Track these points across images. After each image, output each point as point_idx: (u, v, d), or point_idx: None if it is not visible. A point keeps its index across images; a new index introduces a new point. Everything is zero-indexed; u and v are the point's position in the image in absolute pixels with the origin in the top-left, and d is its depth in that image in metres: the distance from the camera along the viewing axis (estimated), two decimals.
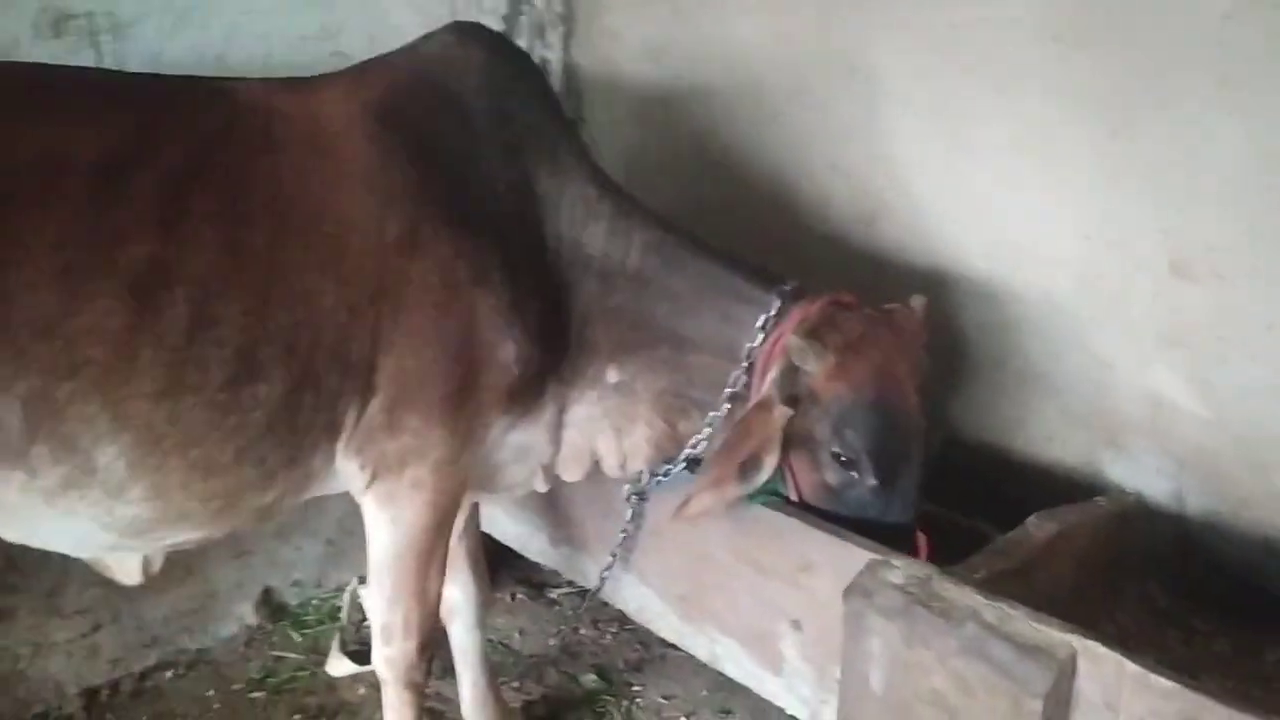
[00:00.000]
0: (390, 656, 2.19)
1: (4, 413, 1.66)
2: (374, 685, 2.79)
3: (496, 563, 3.04)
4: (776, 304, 2.11)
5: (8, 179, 1.66)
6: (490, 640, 2.71)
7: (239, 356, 1.80)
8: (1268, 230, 2.08)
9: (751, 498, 2.12)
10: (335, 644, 2.95)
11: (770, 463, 2.03)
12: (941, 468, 2.15)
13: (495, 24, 3.23)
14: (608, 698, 2.78)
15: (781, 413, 2.01)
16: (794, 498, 2.11)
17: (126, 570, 2.16)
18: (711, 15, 2.98)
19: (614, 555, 2.43)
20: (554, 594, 3.17)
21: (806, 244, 2.87)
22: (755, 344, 2.10)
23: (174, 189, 1.77)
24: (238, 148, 1.86)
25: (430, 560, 2.14)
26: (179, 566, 2.95)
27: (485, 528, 2.76)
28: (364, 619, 3.04)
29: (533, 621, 3.04)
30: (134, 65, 2.48)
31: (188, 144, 1.81)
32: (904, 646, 1.83)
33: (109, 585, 2.80)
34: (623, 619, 2.83)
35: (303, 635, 3.07)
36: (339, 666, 2.88)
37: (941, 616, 1.78)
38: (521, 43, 3.27)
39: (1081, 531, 2.15)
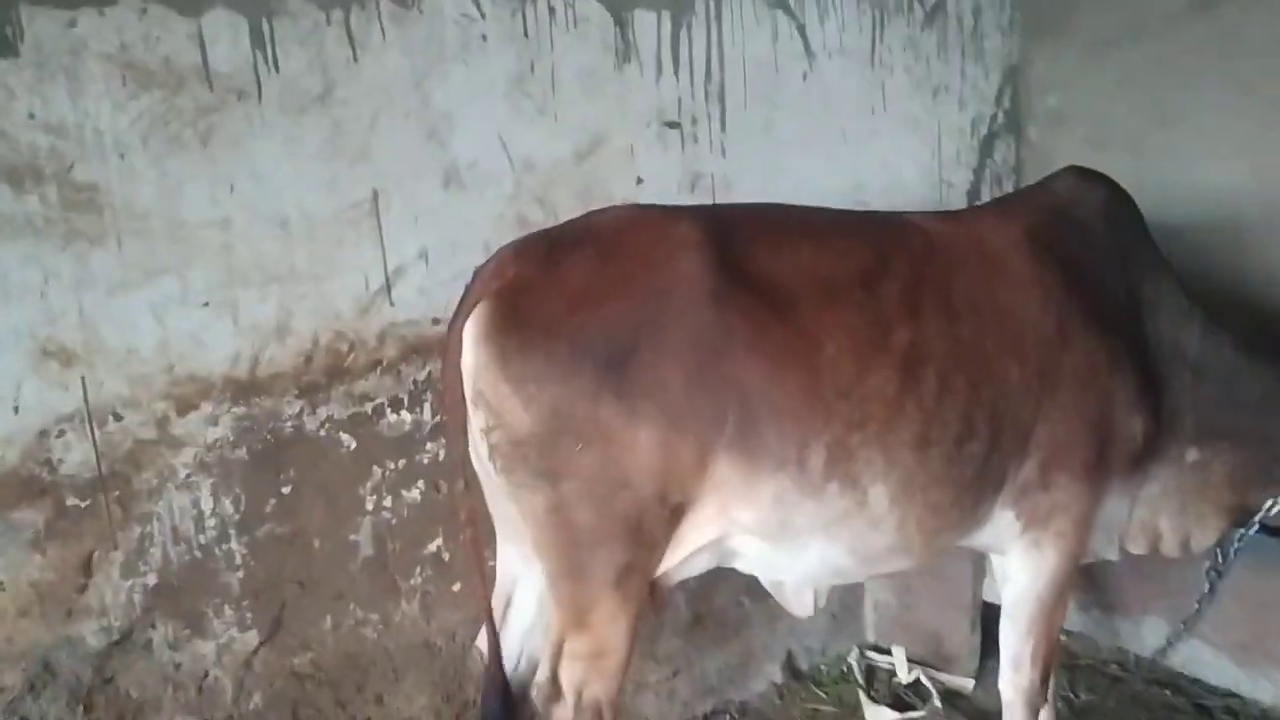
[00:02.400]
0: (1018, 683, 2.63)
1: (812, 455, 2.25)
2: None
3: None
4: None
5: (817, 288, 2.29)
6: None
7: (963, 419, 2.34)
8: None
9: None
10: (863, 698, 3.42)
11: None
12: None
13: (968, 175, 3.88)
14: None
15: None
16: None
17: (804, 604, 2.68)
18: (1178, 161, 3.50)
19: (1184, 625, 2.82)
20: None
21: None
22: None
23: (910, 294, 2.37)
24: (938, 264, 2.44)
25: (1060, 602, 2.60)
26: (729, 628, 3.52)
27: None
28: (869, 680, 3.54)
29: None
30: None
31: (907, 262, 2.41)
32: None
33: (687, 637, 3.41)
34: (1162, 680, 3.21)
35: (824, 693, 3.54)
36: (879, 715, 3.33)
37: None
38: (985, 191, 3.90)
39: None
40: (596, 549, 2.24)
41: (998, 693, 3.25)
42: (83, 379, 2.33)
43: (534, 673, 2.59)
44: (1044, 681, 2.65)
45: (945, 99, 3.76)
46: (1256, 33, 3.29)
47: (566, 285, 2.20)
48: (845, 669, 3.63)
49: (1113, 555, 2.79)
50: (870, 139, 3.56)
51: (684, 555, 2.35)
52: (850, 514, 2.31)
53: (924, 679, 3.44)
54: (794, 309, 2.26)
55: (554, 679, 2.43)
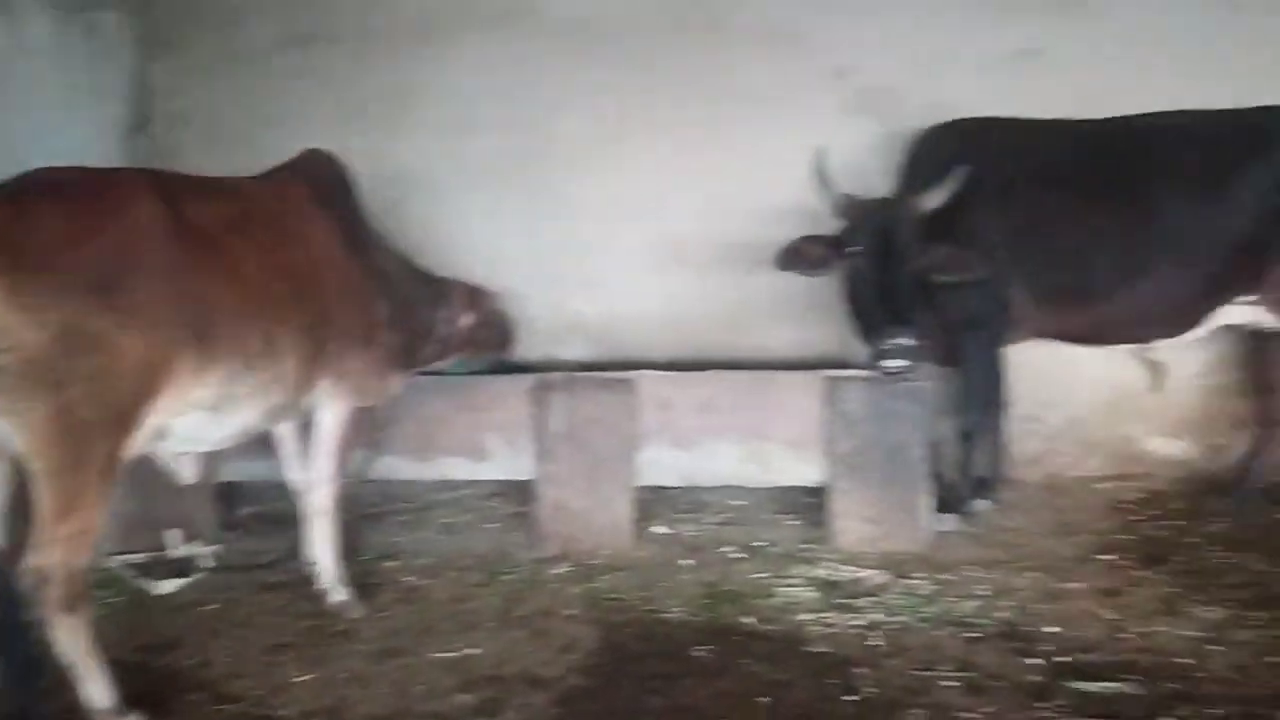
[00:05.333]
0: (331, 494, 3.89)
1: (253, 339, 3.23)
2: None
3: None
4: (449, 291, 4.42)
5: (228, 227, 3.26)
6: None
7: (315, 312, 3.52)
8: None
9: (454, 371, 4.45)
10: (150, 583, 4.22)
11: None
12: None
13: (122, 160, 4.75)
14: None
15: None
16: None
17: (191, 471, 3.52)
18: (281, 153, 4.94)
19: (378, 448, 4.37)
20: None
21: None
22: (447, 312, 4.38)
23: (271, 229, 3.47)
24: (269, 212, 3.52)
25: (347, 438, 3.92)
26: None
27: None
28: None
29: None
30: None
31: (258, 209, 3.46)
32: (570, 400, 4.35)
33: None
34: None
35: (113, 592, 4.21)
36: (168, 586, 4.19)
37: (587, 385, 4.36)
38: None
39: None
40: (94, 441, 2.88)
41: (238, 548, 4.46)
42: None
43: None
44: (340, 490, 3.99)
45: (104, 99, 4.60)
46: (338, 64, 4.96)
47: (48, 228, 2.81)
48: (113, 573, 4.33)
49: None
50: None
51: (143, 437, 3.10)
52: (273, 380, 3.37)
53: (194, 549, 4.38)
54: (221, 242, 3.23)
55: (41, 566, 2.93)
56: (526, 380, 4.49)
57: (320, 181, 3.89)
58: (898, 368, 4.15)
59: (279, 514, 4.91)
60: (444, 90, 5.16)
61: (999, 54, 5.03)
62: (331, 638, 3.84)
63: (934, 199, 4.28)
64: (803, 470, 4.55)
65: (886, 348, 4.09)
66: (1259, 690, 3.29)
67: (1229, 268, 4.42)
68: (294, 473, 4.12)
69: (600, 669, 3.55)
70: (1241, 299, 4.52)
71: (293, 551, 4.38)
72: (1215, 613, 3.81)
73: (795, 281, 4.55)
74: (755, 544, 4.58)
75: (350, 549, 4.49)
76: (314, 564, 4.07)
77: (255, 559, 4.51)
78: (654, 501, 5.01)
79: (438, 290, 4.41)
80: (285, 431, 4.07)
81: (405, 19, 5.12)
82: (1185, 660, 3.49)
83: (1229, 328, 4.75)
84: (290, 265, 3.46)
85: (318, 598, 4.03)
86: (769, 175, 5.08)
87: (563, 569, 4.37)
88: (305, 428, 3.99)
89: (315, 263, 3.63)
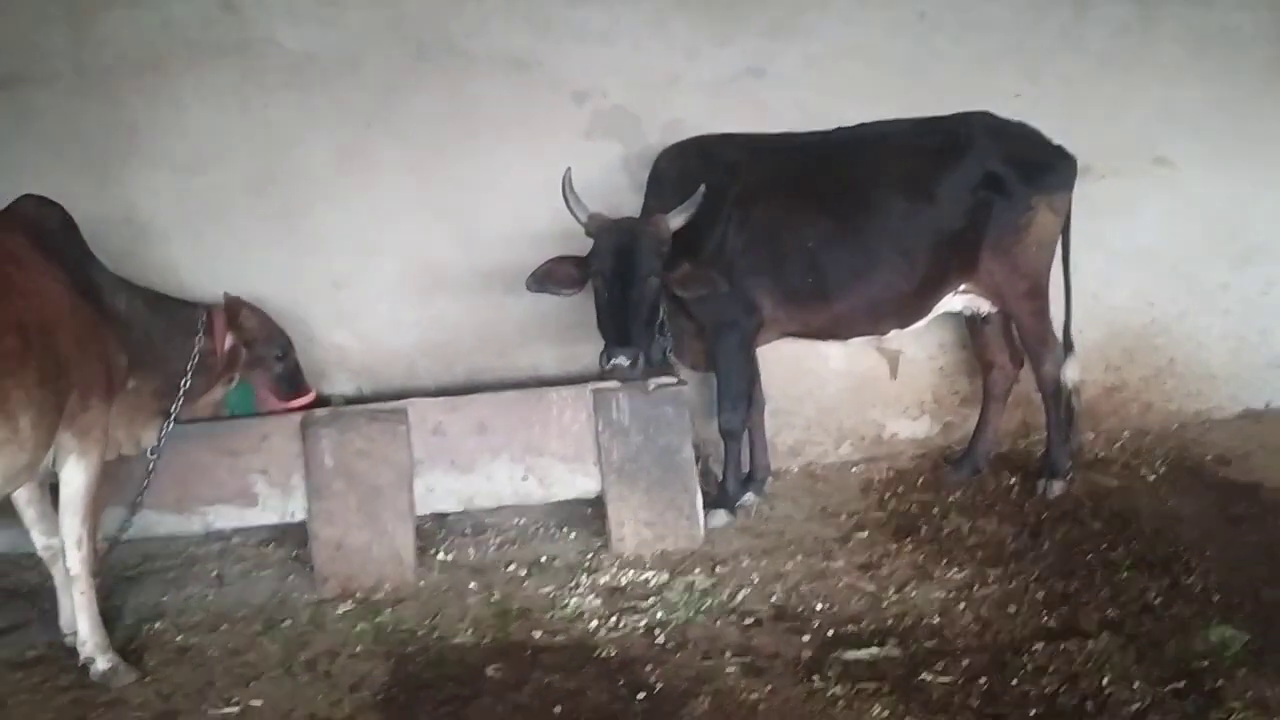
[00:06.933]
0: (83, 557, 3.61)
1: None
2: None
3: None
4: (202, 316, 4.23)
5: None
6: None
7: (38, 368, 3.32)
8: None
9: (230, 411, 4.25)
10: None
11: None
12: None
13: None
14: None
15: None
16: (263, 404, 4.32)
17: None
18: None
19: (137, 503, 4.12)
20: None
21: None
22: (200, 341, 4.19)
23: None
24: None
25: (98, 490, 3.67)
26: None
27: None
28: None
29: None
30: None
31: None
32: (339, 435, 4.27)
33: None
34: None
35: None
36: None
37: (355, 417, 4.30)
38: None
39: None
40: None
41: None
42: None
43: None
44: (94, 551, 3.74)
45: None
46: (53, 104, 4.69)
47: None
48: None
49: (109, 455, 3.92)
50: None
51: None
52: (7, 442, 3.16)
53: None
54: None
55: None
56: (291, 418, 4.37)
57: (39, 229, 3.68)
58: (618, 381, 4.46)
59: (27, 586, 4.58)
60: (174, 126, 4.94)
61: (727, 74, 5.31)
62: (99, 710, 3.62)
63: (679, 218, 4.47)
64: (580, 482, 4.64)
65: (608, 366, 4.29)
66: (1001, 638, 3.66)
67: (946, 261, 4.85)
68: (41, 539, 3.86)
69: (392, 703, 3.52)
70: (959, 288, 4.97)
71: (46, 624, 4.10)
72: (960, 573, 4.19)
73: (556, 300, 4.65)
74: (539, 559, 4.63)
75: (111, 614, 4.24)
76: (71, 634, 3.82)
77: (2, 636, 4.16)
78: (435, 529, 4.98)
79: (187, 320, 4.21)
80: (28, 495, 3.79)
81: (126, 54, 4.87)
82: (937, 620, 3.83)
83: (951, 314, 5.21)
84: (15, 319, 3.25)
85: (79, 670, 3.77)
86: (520, 200, 5.15)
87: (346, 608, 4.26)
88: (51, 489, 3.74)
89: (43, 315, 3.41)
